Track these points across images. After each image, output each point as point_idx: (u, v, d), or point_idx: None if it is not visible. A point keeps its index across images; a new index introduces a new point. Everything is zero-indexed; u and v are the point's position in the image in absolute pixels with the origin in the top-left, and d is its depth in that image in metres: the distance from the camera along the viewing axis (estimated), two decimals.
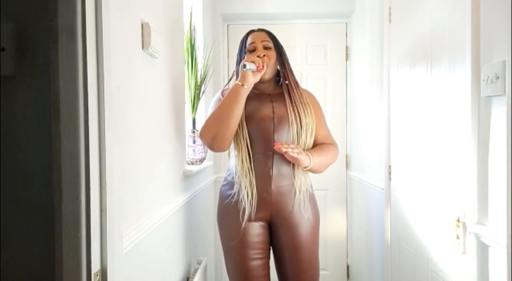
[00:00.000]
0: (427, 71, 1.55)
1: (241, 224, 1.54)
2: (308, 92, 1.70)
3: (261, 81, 1.56)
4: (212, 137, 1.49)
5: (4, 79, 0.77)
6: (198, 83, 2.10)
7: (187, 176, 1.86)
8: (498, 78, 1.04)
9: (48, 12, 0.74)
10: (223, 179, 1.70)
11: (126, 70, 1.10)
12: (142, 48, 1.25)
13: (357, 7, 2.71)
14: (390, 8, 1.97)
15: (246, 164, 1.53)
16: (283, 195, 1.56)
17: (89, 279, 0.75)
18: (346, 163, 2.97)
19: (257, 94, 1.61)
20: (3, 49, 0.76)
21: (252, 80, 1.48)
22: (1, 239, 0.77)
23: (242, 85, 1.47)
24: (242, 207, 1.53)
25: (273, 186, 1.55)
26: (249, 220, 1.55)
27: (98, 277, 0.78)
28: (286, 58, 1.66)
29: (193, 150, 2.06)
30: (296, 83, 1.65)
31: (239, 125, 1.53)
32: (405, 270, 1.81)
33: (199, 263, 1.95)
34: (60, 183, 0.73)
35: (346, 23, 2.92)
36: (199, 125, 2.32)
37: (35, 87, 0.77)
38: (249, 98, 1.53)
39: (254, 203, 1.53)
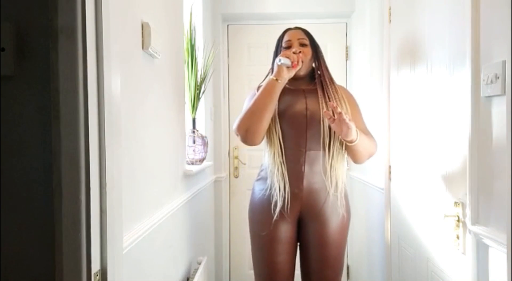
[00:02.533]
0: (427, 71, 1.55)
1: (273, 217, 1.55)
2: (344, 89, 1.70)
3: (296, 78, 1.57)
4: (245, 131, 1.50)
5: (4, 79, 0.77)
6: (198, 83, 2.10)
7: (187, 176, 1.86)
8: (498, 78, 1.04)
9: (48, 12, 0.74)
10: (256, 174, 1.71)
11: (126, 70, 1.10)
12: (142, 48, 1.25)
13: (357, 7, 2.71)
14: (390, 8, 1.97)
15: (278, 159, 1.54)
16: (315, 192, 1.56)
17: (89, 279, 0.75)
18: (347, 163, 2.97)
19: (291, 90, 1.61)
20: (3, 49, 0.76)
21: (286, 75, 1.48)
22: (1, 239, 0.77)
23: (276, 79, 1.47)
24: (274, 200, 1.54)
25: (305, 183, 1.55)
26: (281, 215, 1.55)
27: (98, 277, 0.78)
28: (321, 55, 1.67)
29: (193, 150, 2.06)
30: (331, 79, 1.64)
31: (272, 119, 1.53)
32: (405, 270, 1.81)
33: (199, 263, 1.95)
34: (60, 183, 0.73)
35: (346, 23, 2.92)
36: (199, 125, 2.33)
37: (35, 87, 0.77)
38: (283, 94, 1.53)
39: (287, 196, 1.53)
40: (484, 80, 1.11)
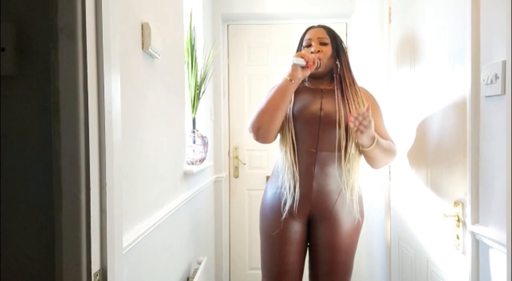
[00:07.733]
0: (427, 71, 1.55)
1: (282, 215, 1.54)
2: (365, 90, 1.67)
3: (316, 77, 1.55)
4: (257, 129, 1.50)
5: (4, 79, 0.77)
6: (198, 83, 2.10)
7: (187, 176, 1.86)
8: (498, 78, 1.04)
9: (48, 12, 0.74)
10: (271, 172, 1.71)
11: (126, 70, 1.10)
12: (142, 48, 1.25)
13: (357, 7, 2.71)
14: (390, 8, 1.97)
15: (290, 158, 1.53)
16: (325, 194, 1.54)
17: (89, 279, 0.75)
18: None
19: (310, 89, 1.60)
20: (3, 49, 0.76)
21: (300, 75, 1.47)
22: (1, 239, 0.77)
23: (290, 80, 1.47)
24: (284, 199, 1.54)
25: (314, 184, 1.54)
26: (290, 216, 1.54)
27: (98, 277, 0.78)
28: (344, 55, 1.63)
29: (193, 150, 2.06)
30: (352, 79, 1.61)
31: (286, 118, 1.53)
32: (405, 270, 1.81)
33: (199, 263, 1.95)
34: (60, 183, 0.73)
35: (346, 23, 2.92)
36: (199, 125, 2.33)
37: (35, 87, 0.77)
38: (300, 93, 1.53)
39: (296, 196, 1.52)
40: (484, 80, 1.11)
